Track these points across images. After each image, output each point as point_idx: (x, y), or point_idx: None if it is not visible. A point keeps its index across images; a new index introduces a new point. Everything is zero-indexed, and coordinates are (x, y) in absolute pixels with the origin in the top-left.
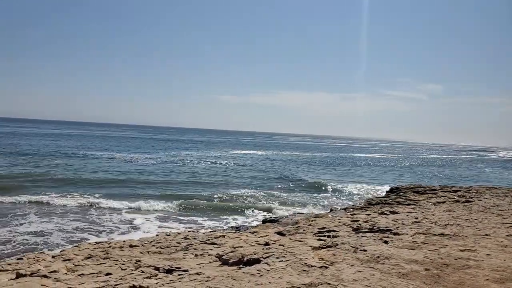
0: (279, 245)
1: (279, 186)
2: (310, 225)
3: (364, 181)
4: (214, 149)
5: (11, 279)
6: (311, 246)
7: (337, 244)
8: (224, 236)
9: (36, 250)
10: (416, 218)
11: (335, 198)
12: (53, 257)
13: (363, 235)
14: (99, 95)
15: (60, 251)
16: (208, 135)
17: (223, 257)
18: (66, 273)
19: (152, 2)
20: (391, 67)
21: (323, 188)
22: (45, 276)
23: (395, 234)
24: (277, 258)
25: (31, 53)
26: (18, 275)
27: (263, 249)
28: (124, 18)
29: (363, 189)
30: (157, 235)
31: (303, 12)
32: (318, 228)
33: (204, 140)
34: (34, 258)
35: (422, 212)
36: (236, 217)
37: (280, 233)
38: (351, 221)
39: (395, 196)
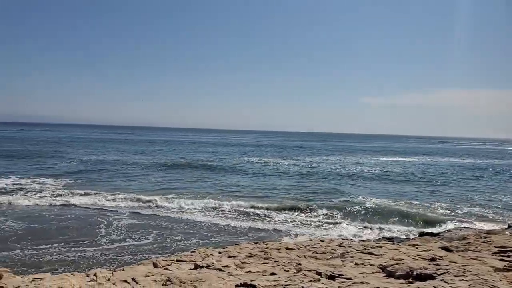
0: (450, 261)
1: (438, 196)
2: (484, 242)
3: None
4: (362, 155)
5: (191, 269)
6: (492, 267)
7: None
8: (381, 247)
9: (207, 244)
10: None
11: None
12: (219, 252)
13: None
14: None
15: (224, 248)
16: (349, 140)
17: (387, 268)
18: (236, 269)
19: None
20: None
21: (492, 199)
22: (219, 269)
23: None
24: (455, 276)
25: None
26: (196, 266)
27: (429, 264)
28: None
29: None
30: (311, 240)
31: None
32: (496, 247)
33: (350, 146)
34: (204, 252)
35: None
36: (386, 226)
37: (446, 249)
38: None
39: None
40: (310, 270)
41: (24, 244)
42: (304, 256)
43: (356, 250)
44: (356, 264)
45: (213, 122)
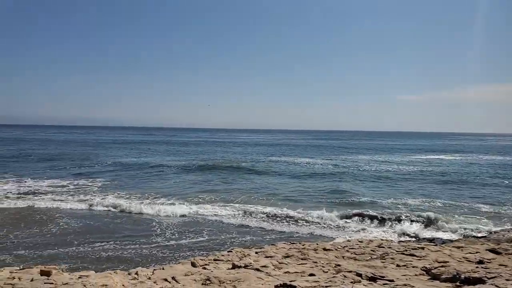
0: (499, 265)
1: (480, 197)
2: None
3: None
4: (396, 154)
5: (229, 269)
6: None
7: None
8: (423, 248)
9: (245, 245)
10: None
11: None
12: (256, 252)
13: None
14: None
15: (260, 248)
16: (384, 138)
17: (432, 271)
18: (274, 269)
19: None
20: None
21: None
22: (257, 269)
23: None
24: (507, 280)
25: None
26: (234, 266)
27: (477, 267)
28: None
29: None
30: (349, 241)
31: None
32: None
33: (385, 144)
34: (240, 252)
35: None
36: (424, 228)
37: (494, 251)
38: None
39: None
40: (350, 271)
41: (81, 241)
42: (343, 257)
43: (397, 251)
44: (398, 266)
45: (243, 122)
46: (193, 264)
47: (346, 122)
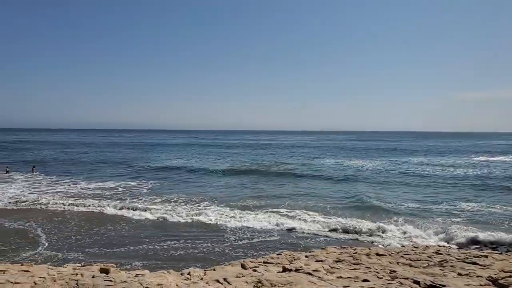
0: None
1: None
2: None
3: None
4: (458, 155)
5: (279, 272)
6: None
7: None
8: (486, 256)
9: (295, 247)
10: None
11: None
12: (306, 256)
13: None
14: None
15: (310, 252)
16: (443, 138)
17: (499, 281)
18: (326, 274)
19: None
20: None
21: None
22: (309, 273)
23: None
24: None
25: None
26: (285, 269)
27: None
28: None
29: None
30: (403, 246)
31: None
32: None
33: (442, 145)
34: (290, 255)
35: None
36: (486, 234)
37: None
38: None
39: None
40: (406, 278)
41: (152, 241)
42: (397, 263)
43: (457, 258)
44: (459, 274)
45: (283, 123)
46: (243, 266)
47: (390, 122)
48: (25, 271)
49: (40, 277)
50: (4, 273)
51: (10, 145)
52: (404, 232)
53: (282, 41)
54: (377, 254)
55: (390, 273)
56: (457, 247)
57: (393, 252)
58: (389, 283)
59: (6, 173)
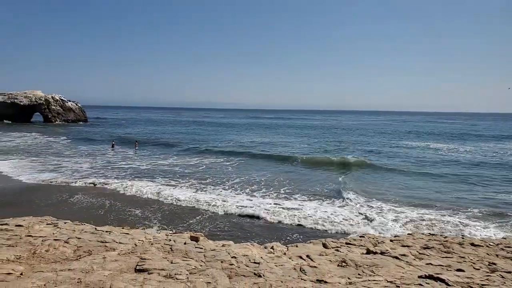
0: None
1: None
2: None
3: None
4: None
5: (363, 253)
6: None
7: None
8: None
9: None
10: None
11: None
12: (391, 240)
13: None
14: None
15: (395, 236)
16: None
17: None
18: (414, 259)
19: None
20: None
21: None
22: (396, 257)
23: None
24: None
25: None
26: (369, 251)
27: None
28: None
29: None
30: (505, 238)
31: None
32: None
33: None
34: (374, 238)
35: None
36: None
37: None
38: None
39: None
40: (509, 272)
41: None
42: (497, 255)
43: None
44: None
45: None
46: (325, 245)
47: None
48: (126, 233)
49: (139, 240)
50: (110, 233)
51: (108, 121)
52: None
53: None
54: (472, 244)
55: (489, 265)
56: None
57: (491, 243)
58: (488, 275)
59: (112, 147)
